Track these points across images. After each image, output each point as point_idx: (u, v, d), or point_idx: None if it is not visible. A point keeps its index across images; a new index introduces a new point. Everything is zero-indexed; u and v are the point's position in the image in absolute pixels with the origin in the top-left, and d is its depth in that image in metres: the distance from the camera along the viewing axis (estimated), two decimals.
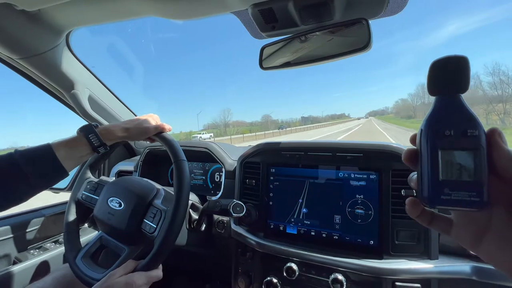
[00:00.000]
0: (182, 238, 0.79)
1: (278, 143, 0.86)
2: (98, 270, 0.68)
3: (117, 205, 0.72)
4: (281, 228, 0.82)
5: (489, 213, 0.27)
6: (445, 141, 0.27)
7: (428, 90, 0.29)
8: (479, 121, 0.26)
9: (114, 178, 1.02)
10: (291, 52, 0.78)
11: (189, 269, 1.22)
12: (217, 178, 1.07)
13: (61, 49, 0.91)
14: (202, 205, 0.83)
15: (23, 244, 1.01)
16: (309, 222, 0.78)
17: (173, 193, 0.67)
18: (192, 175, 1.12)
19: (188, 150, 1.01)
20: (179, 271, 1.22)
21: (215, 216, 0.92)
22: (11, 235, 0.97)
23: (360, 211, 0.72)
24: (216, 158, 1.00)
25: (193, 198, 0.87)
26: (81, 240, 0.78)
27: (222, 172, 0.99)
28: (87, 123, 0.71)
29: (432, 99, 0.29)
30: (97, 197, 0.78)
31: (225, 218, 0.90)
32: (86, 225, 0.84)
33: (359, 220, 0.72)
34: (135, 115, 1.28)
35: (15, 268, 0.90)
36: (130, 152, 1.39)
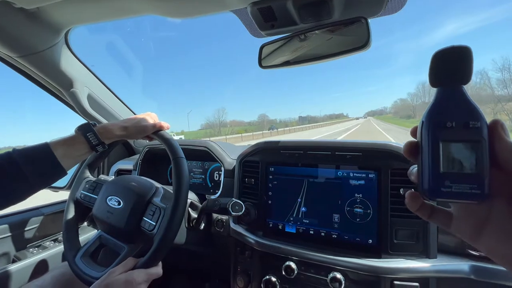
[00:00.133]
0: (181, 236, 0.79)
1: (277, 142, 0.86)
2: (98, 268, 0.68)
3: (116, 203, 0.72)
4: (280, 227, 0.82)
5: (489, 206, 0.27)
6: (447, 133, 0.26)
7: (429, 81, 0.29)
8: (481, 112, 0.26)
9: (113, 176, 1.02)
10: (290, 51, 0.78)
11: (188, 268, 1.22)
12: (216, 177, 1.07)
13: (60, 48, 0.90)
14: (201, 204, 0.83)
15: (22, 243, 1.01)
16: (308, 221, 0.78)
17: (172, 191, 0.67)
18: (191, 174, 1.12)
19: (187, 148, 1.01)
20: (178, 269, 1.22)
21: (214, 215, 0.92)
22: (10, 234, 0.97)
23: (359, 210, 0.72)
24: (215, 157, 1.00)
25: (192, 197, 0.87)
26: (80, 238, 0.78)
27: (221, 171, 0.99)
28: (86, 121, 0.71)
29: (432, 96, 0.29)
30: (96, 196, 0.78)
31: (224, 217, 0.90)
32: (85, 224, 0.84)
33: (358, 219, 0.72)
34: (134, 114, 1.27)
35: (14, 267, 0.90)
36: (129, 151, 1.39)
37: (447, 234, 0.68)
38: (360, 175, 0.73)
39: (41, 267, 0.98)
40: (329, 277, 0.70)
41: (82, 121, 1.06)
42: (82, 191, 0.81)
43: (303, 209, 0.79)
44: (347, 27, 0.68)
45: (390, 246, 0.68)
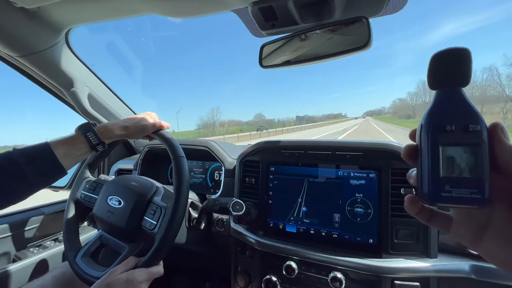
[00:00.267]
0: (181, 236, 0.79)
1: (278, 142, 0.86)
2: (98, 268, 0.68)
3: (117, 203, 0.72)
4: (281, 226, 0.82)
5: (490, 210, 0.27)
6: (446, 137, 0.26)
7: (428, 83, 0.28)
8: (480, 115, 0.26)
9: (113, 176, 1.02)
10: (291, 50, 0.78)
11: (189, 268, 1.22)
12: (216, 177, 1.07)
13: (60, 47, 0.90)
14: (202, 203, 0.83)
15: (22, 242, 1.01)
16: (308, 221, 0.78)
17: (172, 191, 0.67)
18: (192, 173, 1.12)
19: (188, 148, 1.01)
20: (179, 269, 1.22)
21: (215, 215, 0.92)
22: (11, 233, 0.97)
23: (359, 209, 0.72)
24: (216, 157, 1.00)
25: (192, 196, 0.87)
26: (80, 238, 0.78)
27: (221, 170, 0.99)
28: (86, 121, 0.71)
29: (432, 96, 0.29)
30: (96, 196, 0.78)
31: (225, 217, 0.90)
32: (85, 223, 0.84)
33: (358, 219, 0.72)
34: (135, 113, 1.27)
35: (14, 266, 0.90)
36: (130, 151, 1.39)
37: (447, 234, 0.68)
38: (360, 174, 0.73)
39: (41, 267, 0.98)
40: (329, 276, 0.70)
41: (82, 120, 1.06)
42: (82, 191, 0.81)
43: (304, 208, 0.79)
44: (347, 27, 0.68)
45: (390, 246, 0.68)
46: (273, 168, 0.84)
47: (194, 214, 0.82)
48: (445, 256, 0.66)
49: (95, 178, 0.84)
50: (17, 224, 0.99)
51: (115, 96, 1.20)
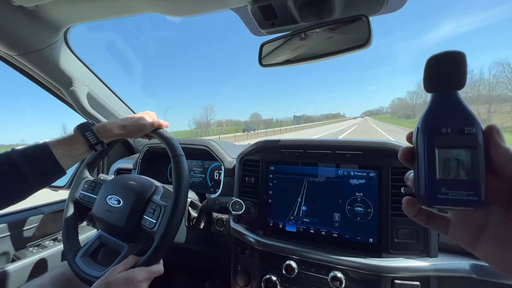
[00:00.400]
0: (181, 235, 0.78)
1: (278, 141, 0.86)
2: (98, 268, 0.67)
3: (116, 202, 0.72)
4: (281, 226, 0.82)
5: (486, 212, 0.27)
6: (442, 139, 0.26)
7: (424, 86, 0.29)
8: (476, 118, 0.26)
9: (113, 176, 1.02)
10: (290, 49, 0.77)
11: (188, 267, 1.22)
12: (216, 176, 1.07)
13: (59, 46, 0.90)
14: (201, 203, 0.83)
15: (21, 242, 1.01)
16: (308, 220, 0.78)
17: (172, 190, 0.67)
18: (191, 173, 1.12)
19: (187, 147, 1.01)
20: (178, 269, 1.22)
21: (214, 214, 0.91)
22: (10, 233, 0.97)
23: (359, 209, 0.72)
24: (216, 156, 1.00)
25: (192, 196, 0.87)
26: (79, 238, 0.78)
27: (221, 170, 0.99)
28: (85, 120, 0.71)
29: (428, 99, 0.29)
30: (95, 196, 0.78)
31: (224, 216, 0.90)
32: (84, 223, 0.84)
33: (358, 218, 0.72)
34: (134, 112, 1.27)
35: (13, 266, 0.90)
36: (129, 150, 1.39)
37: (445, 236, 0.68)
38: (360, 174, 0.73)
39: (40, 267, 0.97)
40: (329, 276, 0.70)
41: (81, 119, 1.06)
42: (81, 191, 0.81)
43: (304, 208, 0.79)
44: (347, 26, 0.68)
45: (390, 245, 0.67)
46: (272, 167, 0.84)
47: (194, 214, 0.82)
48: (446, 256, 0.66)
49: (93, 178, 0.84)
50: (16, 223, 0.99)
51: (114, 95, 1.20)
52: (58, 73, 0.96)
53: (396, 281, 0.64)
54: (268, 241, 0.80)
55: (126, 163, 1.22)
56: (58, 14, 0.78)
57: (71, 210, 0.79)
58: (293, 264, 0.75)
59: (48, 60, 0.90)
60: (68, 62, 0.96)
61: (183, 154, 0.69)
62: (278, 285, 0.77)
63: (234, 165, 0.93)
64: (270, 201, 0.84)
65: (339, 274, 0.69)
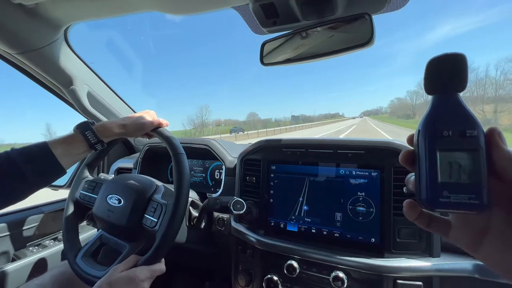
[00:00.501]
0: (182, 235, 0.78)
1: (279, 140, 0.85)
2: (99, 268, 0.67)
3: (117, 202, 0.72)
4: (282, 225, 0.81)
5: (488, 215, 0.27)
6: (443, 142, 0.26)
7: (425, 89, 0.29)
8: (477, 121, 0.26)
9: (113, 175, 1.01)
10: (292, 48, 0.77)
11: (189, 267, 1.21)
12: (217, 176, 1.06)
13: (59, 44, 0.89)
14: (202, 202, 0.83)
15: (21, 241, 1.01)
16: (310, 220, 0.78)
17: (172, 189, 0.67)
18: (192, 172, 1.12)
19: (188, 147, 1.00)
20: (179, 268, 1.22)
21: (215, 214, 0.91)
22: (10, 232, 0.96)
23: (361, 208, 0.71)
24: (216, 155, 0.99)
25: (193, 195, 0.87)
26: (80, 237, 0.78)
27: (222, 169, 0.99)
28: (85, 120, 0.71)
29: (429, 101, 0.29)
30: (95, 196, 0.77)
31: (225, 216, 0.90)
32: (84, 222, 0.84)
33: (360, 218, 0.71)
34: (134, 112, 1.27)
35: (13, 266, 0.90)
36: (130, 149, 1.38)
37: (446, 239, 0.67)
38: (362, 173, 0.72)
39: (40, 266, 0.97)
40: (331, 276, 0.69)
41: (82, 118, 1.06)
42: (81, 191, 0.80)
43: (305, 207, 0.78)
44: (349, 24, 0.67)
45: (393, 245, 0.67)
46: (274, 167, 0.84)
47: (195, 213, 0.82)
48: (448, 255, 0.66)
49: (93, 178, 0.83)
50: (16, 223, 0.99)
51: (114, 94, 1.19)
52: (58, 72, 0.95)
53: (399, 281, 0.64)
54: (269, 240, 0.79)
55: (126, 163, 1.22)
56: (58, 12, 0.77)
57: (71, 210, 0.79)
58: (295, 264, 0.74)
59: (48, 59, 0.90)
60: (68, 61, 0.95)
61: (183, 152, 0.69)
62: (280, 285, 0.77)
63: (235, 165, 0.93)
64: (271, 200, 0.83)
65: (341, 274, 0.69)
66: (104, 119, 1.12)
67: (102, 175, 0.87)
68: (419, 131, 0.28)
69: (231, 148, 1.04)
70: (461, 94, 0.28)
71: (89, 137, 0.67)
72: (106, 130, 0.70)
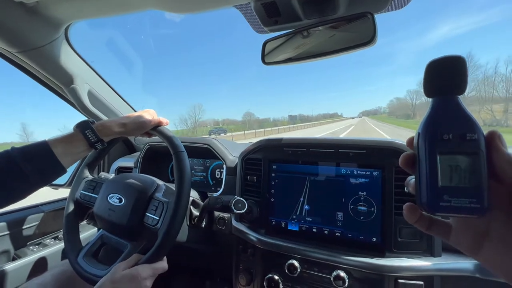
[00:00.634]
0: (182, 234, 0.78)
1: (280, 139, 0.85)
2: (100, 267, 0.67)
3: (118, 201, 0.71)
4: (283, 225, 0.81)
5: (489, 218, 0.27)
6: (444, 146, 0.26)
7: (424, 91, 0.29)
8: (478, 124, 0.26)
9: (114, 174, 1.01)
10: (293, 47, 0.77)
11: (190, 266, 1.21)
12: (218, 175, 1.06)
13: (60, 43, 0.89)
14: (203, 201, 0.83)
15: (22, 240, 1.00)
16: (311, 219, 0.78)
17: (173, 188, 0.67)
18: (193, 171, 1.11)
19: (189, 146, 1.00)
20: (180, 267, 1.22)
21: (216, 213, 0.91)
22: (11, 231, 0.96)
23: (362, 208, 0.71)
24: (217, 154, 0.99)
25: (193, 194, 0.87)
26: (80, 236, 0.78)
27: (223, 168, 0.99)
28: (85, 118, 0.71)
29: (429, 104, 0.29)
30: (96, 196, 0.77)
31: (226, 215, 0.90)
32: (85, 222, 0.83)
33: (361, 217, 0.71)
34: (135, 111, 1.27)
35: (13, 265, 0.90)
36: (130, 148, 1.38)
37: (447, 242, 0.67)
38: (364, 172, 0.72)
39: (40, 265, 0.97)
40: (332, 275, 0.69)
41: (82, 117, 1.05)
42: (81, 191, 0.80)
43: (306, 207, 0.78)
44: (350, 24, 0.67)
45: (394, 244, 0.67)
46: (275, 166, 0.84)
47: (196, 212, 0.82)
48: (449, 255, 0.66)
49: (93, 177, 0.83)
50: (17, 222, 0.99)
51: (115, 93, 1.19)
52: (59, 71, 0.95)
53: (400, 281, 0.64)
54: (270, 240, 0.79)
55: (127, 162, 1.22)
56: (59, 11, 0.77)
57: (72, 210, 0.78)
58: (296, 263, 0.74)
59: (49, 58, 0.90)
60: (69, 60, 0.95)
61: (184, 150, 0.69)
62: (281, 284, 0.77)
63: (236, 164, 0.92)
64: (272, 200, 0.83)
65: (342, 274, 0.69)
66: (104, 118, 1.12)
67: (103, 174, 0.87)
68: (419, 134, 0.28)
69: (232, 147, 1.04)
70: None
71: (89, 136, 0.67)
72: (106, 129, 0.70)
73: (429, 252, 0.65)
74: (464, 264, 0.63)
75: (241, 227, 0.85)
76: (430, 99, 0.29)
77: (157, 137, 0.76)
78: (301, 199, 0.79)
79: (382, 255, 0.67)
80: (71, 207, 0.79)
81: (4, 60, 0.91)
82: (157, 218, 0.67)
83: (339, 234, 0.74)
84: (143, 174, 0.81)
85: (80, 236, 0.78)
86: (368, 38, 0.63)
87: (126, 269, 0.59)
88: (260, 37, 0.82)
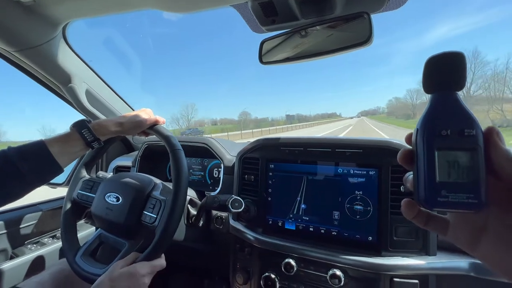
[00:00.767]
0: (180, 233, 0.78)
1: (278, 139, 0.86)
2: (99, 266, 0.67)
3: (115, 200, 0.72)
4: (280, 224, 0.82)
5: (486, 214, 0.27)
6: (442, 141, 0.26)
7: (423, 87, 0.29)
8: (476, 120, 0.26)
9: (111, 173, 1.01)
10: (291, 47, 0.77)
11: (188, 265, 1.22)
12: (215, 174, 1.06)
13: (57, 42, 0.89)
14: (201, 200, 0.83)
15: (20, 239, 1.01)
16: (307, 218, 0.78)
17: (171, 186, 0.67)
18: (191, 170, 1.12)
19: (187, 145, 1.00)
20: (177, 267, 1.22)
21: (214, 212, 0.91)
22: (8, 230, 0.96)
23: (359, 207, 0.72)
24: (215, 154, 0.99)
25: (191, 193, 0.87)
26: (78, 235, 0.78)
27: (220, 167, 0.99)
28: (83, 118, 0.71)
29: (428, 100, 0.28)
30: (93, 195, 0.77)
31: (224, 214, 0.90)
32: (82, 221, 0.84)
33: (357, 216, 0.72)
34: (133, 110, 1.27)
35: (11, 263, 0.90)
36: (128, 148, 1.38)
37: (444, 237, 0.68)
38: (360, 172, 0.73)
39: (38, 264, 0.97)
40: (328, 274, 0.70)
41: (80, 116, 1.05)
42: (79, 191, 0.80)
43: (303, 206, 0.79)
44: (348, 23, 0.67)
45: (390, 243, 0.67)
46: (272, 165, 0.84)
47: (193, 211, 0.82)
48: (444, 254, 0.66)
49: (89, 177, 0.83)
50: (15, 221, 0.99)
51: (113, 92, 1.19)
52: (57, 70, 0.95)
53: (395, 279, 0.65)
54: (267, 239, 0.80)
55: (125, 161, 1.22)
56: (56, 10, 0.77)
57: (69, 210, 0.79)
58: (292, 262, 0.75)
59: (46, 57, 0.89)
60: (66, 59, 0.95)
61: (181, 149, 0.69)
62: (277, 283, 0.77)
63: (234, 163, 0.93)
64: (269, 199, 0.84)
65: (338, 272, 0.69)
66: (102, 117, 1.12)
67: (101, 174, 0.87)
68: (417, 130, 0.28)
69: (230, 147, 1.04)
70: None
71: (85, 135, 0.67)
72: (103, 128, 0.70)
73: (425, 251, 0.66)
74: (459, 263, 0.64)
75: (239, 226, 0.86)
76: (429, 97, 0.29)
77: (155, 136, 0.76)
78: (298, 198, 0.79)
79: (378, 254, 0.68)
80: (69, 207, 0.79)
81: (1, 59, 0.90)
82: (155, 216, 0.67)
83: (335, 233, 0.74)
84: (140, 173, 0.81)
85: (78, 235, 0.78)
86: (364, 38, 0.63)
87: (124, 267, 0.59)
88: (258, 36, 0.82)
